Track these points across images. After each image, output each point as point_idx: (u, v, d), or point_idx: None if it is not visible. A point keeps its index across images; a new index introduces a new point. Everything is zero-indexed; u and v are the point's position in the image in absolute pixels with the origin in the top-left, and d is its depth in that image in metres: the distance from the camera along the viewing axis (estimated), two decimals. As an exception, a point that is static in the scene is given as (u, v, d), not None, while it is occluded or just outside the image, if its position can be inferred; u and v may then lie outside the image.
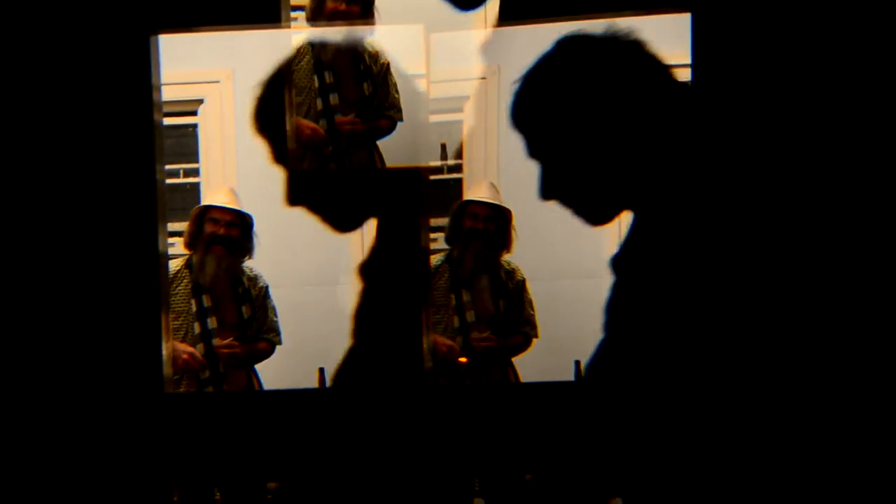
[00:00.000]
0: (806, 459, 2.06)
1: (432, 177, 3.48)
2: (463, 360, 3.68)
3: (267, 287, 3.76)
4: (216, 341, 3.72)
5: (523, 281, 3.73)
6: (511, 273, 3.75)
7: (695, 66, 2.50)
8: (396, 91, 3.59)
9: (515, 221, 3.63)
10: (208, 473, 2.64)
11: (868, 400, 2.05)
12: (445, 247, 3.74)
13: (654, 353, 2.07)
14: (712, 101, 2.45)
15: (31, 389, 2.66)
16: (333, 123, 3.51)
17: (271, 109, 3.17)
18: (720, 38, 2.48)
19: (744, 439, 2.05)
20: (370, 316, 3.29)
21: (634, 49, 2.17)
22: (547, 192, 2.16)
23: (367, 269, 3.24)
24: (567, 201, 2.18)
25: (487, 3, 2.61)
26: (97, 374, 2.68)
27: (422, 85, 3.36)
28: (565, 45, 2.22)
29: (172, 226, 3.54)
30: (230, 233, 3.68)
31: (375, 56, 3.62)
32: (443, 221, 3.66)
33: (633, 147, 2.10)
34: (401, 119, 3.55)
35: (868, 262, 2.12)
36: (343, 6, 3.55)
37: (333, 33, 3.53)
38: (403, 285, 3.22)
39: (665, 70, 2.18)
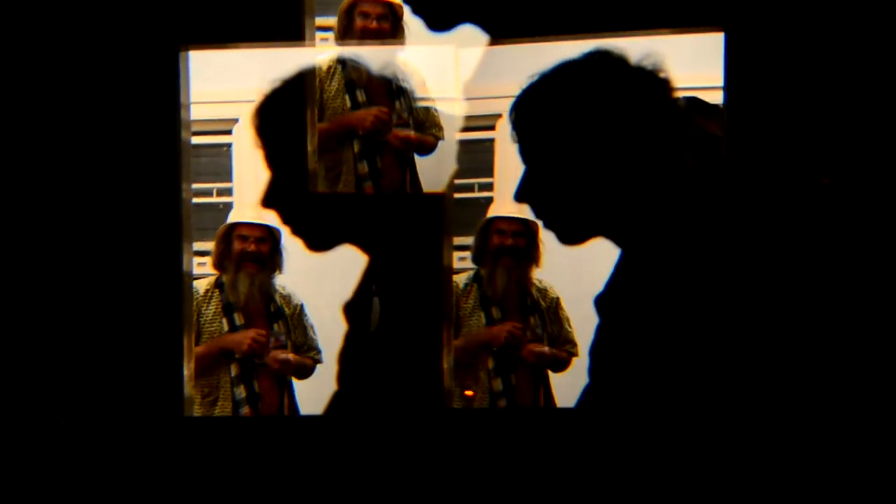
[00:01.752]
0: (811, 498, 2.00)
1: (461, 195, 3.44)
2: (469, 392, 3.63)
3: (302, 305, 3.72)
4: (271, 353, 3.69)
5: (557, 299, 3.68)
6: (544, 291, 3.70)
7: (728, 86, 2.46)
8: (436, 109, 3.56)
9: (546, 242, 3.58)
10: (225, 497, 2.62)
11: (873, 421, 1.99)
12: (472, 266, 3.70)
13: (642, 395, 2.02)
14: (745, 121, 2.40)
15: (52, 409, 2.65)
16: (368, 142, 3.49)
17: (276, 122, 3.16)
18: (753, 58, 2.43)
19: (737, 474, 2.00)
20: (390, 336, 3.28)
21: (645, 75, 2.14)
22: (522, 194, 2.15)
23: (387, 289, 3.22)
24: (541, 209, 2.16)
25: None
26: (119, 394, 2.67)
27: (453, 103, 3.33)
28: (582, 59, 2.19)
29: (204, 245, 3.52)
30: (260, 248, 3.66)
31: (407, 76, 3.60)
32: (471, 240, 3.62)
33: (625, 171, 2.06)
34: (443, 137, 3.52)
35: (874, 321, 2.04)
36: (374, 24, 3.53)
37: (364, 52, 3.52)
38: (423, 304, 3.20)
39: (672, 100, 2.14)
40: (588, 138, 2.06)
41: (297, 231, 3.31)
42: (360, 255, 3.33)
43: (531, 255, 3.64)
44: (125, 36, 2.72)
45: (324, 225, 3.24)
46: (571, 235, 2.18)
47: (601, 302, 2.17)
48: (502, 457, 2.34)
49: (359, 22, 3.55)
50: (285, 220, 3.29)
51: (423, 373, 3.10)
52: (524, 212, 3.54)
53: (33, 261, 2.71)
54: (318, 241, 3.31)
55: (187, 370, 2.80)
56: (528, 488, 2.41)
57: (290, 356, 3.71)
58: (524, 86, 2.18)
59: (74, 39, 2.70)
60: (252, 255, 3.66)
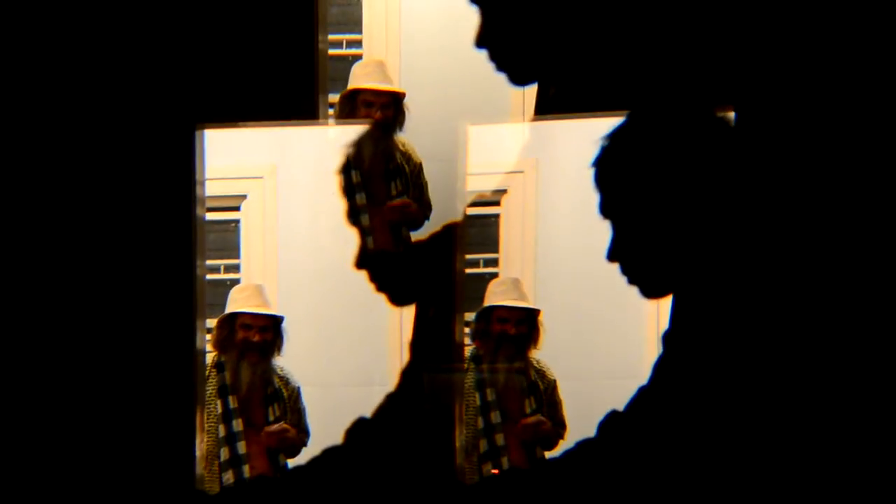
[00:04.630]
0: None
1: (468, 270, 3.46)
2: (495, 471, 3.61)
3: (299, 388, 3.71)
4: (266, 428, 3.66)
5: (555, 381, 3.67)
6: (542, 372, 3.70)
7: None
8: (426, 189, 3.60)
9: (549, 318, 3.59)
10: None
11: None
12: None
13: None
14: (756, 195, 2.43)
15: (65, 488, 2.63)
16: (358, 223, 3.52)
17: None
18: (764, 136, 2.47)
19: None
20: (401, 409, 3.27)
21: (729, 130, 2.17)
22: (614, 254, 2.16)
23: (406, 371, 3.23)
24: (630, 266, 2.16)
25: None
26: (131, 471, 2.65)
27: (460, 179, 3.36)
28: (661, 109, 2.21)
29: (211, 322, 3.51)
30: (264, 337, 3.64)
31: (408, 155, 3.63)
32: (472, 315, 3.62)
33: (710, 222, 2.08)
34: (428, 218, 3.56)
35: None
36: (378, 114, 3.58)
37: (363, 133, 3.55)
38: (436, 378, 3.20)
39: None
40: (677, 193, 2.08)
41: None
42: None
43: (533, 339, 3.63)
44: (141, 113, 2.74)
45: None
46: (656, 289, 2.19)
47: (668, 337, 2.18)
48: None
49: (362, 110, 3.59)
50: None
51: (436, 450, 3.10)
52: (525, 300, 3.54)
53: (49, 340, 2.70)
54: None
55: (199, 449, 2.79)
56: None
57: (290, 433, 3.69)
58: (602, 143, 2.19)
59: (96, 116, 2.72)
60: (256, 346, 3.63)
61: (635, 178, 2.12)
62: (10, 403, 2.68)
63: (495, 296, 3.58)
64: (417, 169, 3.63)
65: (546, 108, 3.12)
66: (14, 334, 2.71)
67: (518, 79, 2.25)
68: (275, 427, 3.65)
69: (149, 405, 2.71)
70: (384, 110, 3.59)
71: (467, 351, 3.57)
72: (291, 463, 3.77)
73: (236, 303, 3.67)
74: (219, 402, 3.62)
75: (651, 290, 2.19)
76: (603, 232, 3.43)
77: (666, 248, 2.11)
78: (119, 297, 2.70)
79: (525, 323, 3.57)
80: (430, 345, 3.34)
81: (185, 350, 2.75)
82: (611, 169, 2.17)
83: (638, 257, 2.15)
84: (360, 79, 3.69)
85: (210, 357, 3.68)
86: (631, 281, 2.20)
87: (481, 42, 2.24)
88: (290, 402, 3.73)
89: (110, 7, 2.68)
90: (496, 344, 3.56)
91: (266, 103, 2.75)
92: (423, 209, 3.63)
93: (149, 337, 2.73)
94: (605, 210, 2.20)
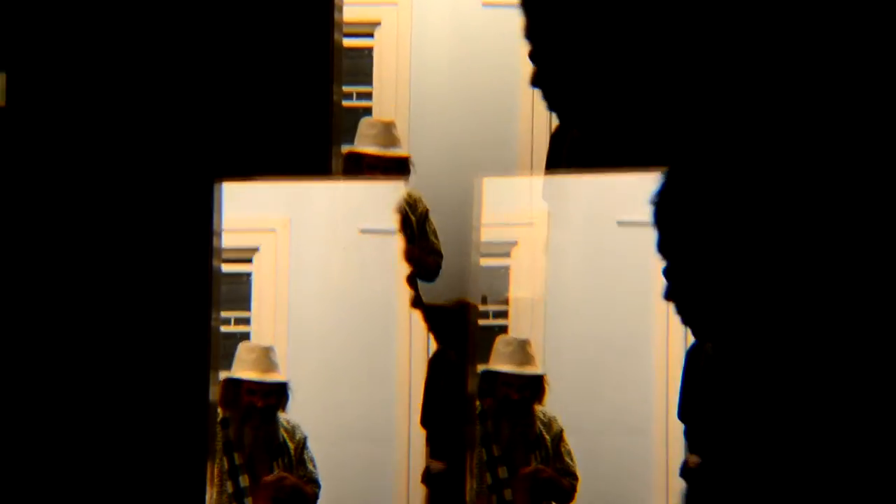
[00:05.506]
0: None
1: (480, 322, 3.45)
2: None
3: (305, 438, 3.67)
4: (263, 479, 3.63)
5: (561, 432, 3.64)
6: (548, 424, 3.66)
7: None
8: (436, 236, 3.59)
9: (557, 373, 3.56)
10: None
11: None
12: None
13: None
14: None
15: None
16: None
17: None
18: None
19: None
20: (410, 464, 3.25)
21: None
22: (671, 294, 2.14)
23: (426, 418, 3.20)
24: (686, 305, 2.15)
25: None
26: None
27: (475, 231, 3.36)
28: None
29: (222, 374, 3.49)
30: (268, 402, 3.61)
31: (414, 204, 3.63)
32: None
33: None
34: (440, 264, 3.55)
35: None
36: (382, 177, 3.59)
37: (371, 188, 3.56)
38: (451, 429, 3.18)
39: None
40: (730, 231, 2.08)
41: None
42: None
43: (537, 401, 3.59)
44: (160, 167, 2.76)
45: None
46: (709, 333, 2.18)
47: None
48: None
49: (366, 171, 3.61)
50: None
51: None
52: (531, 363, 3.51)
53: (67, 387, 2.70)
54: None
55: (209, 499, 2.77)
56: None
57: (286, 482, 3.64)
58: (660, 184, 2.19)
59: (114, 169, 2.74)
60: (259, 411, 3.60)
61: (692, 222, 2.12)
62: (28, 447, 2.67)
63: (501, 357, 3.55)
64: (423, 217, 3.63)
65: (560, 158, 3.14)
66: (34, 381, 2.70)
67: (567, 119, 2.25)
68: (271, 477, 3.62)
69: (160, 456, 2.69)
70: (387, 172, 3.61)
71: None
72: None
73: (244, 364, 3.64)
74: (224, 458, 3.59)
75: (703, 334, 2.19)
76: (612, 280, 3.45)
77: (722, 290, 2.11)
78: (134, 347, 2.69)
79: (529, 388, 3.54)
80: (442, 399, 3.34)
81: (198, 401, 2.75)
82: (669, 210, 2.17)
83: (694, 298, 2.14)
84: (366, 139, 3.70)
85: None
86: (685, 321, 2.19)
87: (535, 82, 2.24)
88: (296, 454, 3.70)
89: (137, 64, 2.70)
90: (500, 406, 3.53)
91: (281, 156, 2.76)
92: (436, 257, 3.63)
93: (163, 388, 2.72)
94: (663, 249, 2.20)
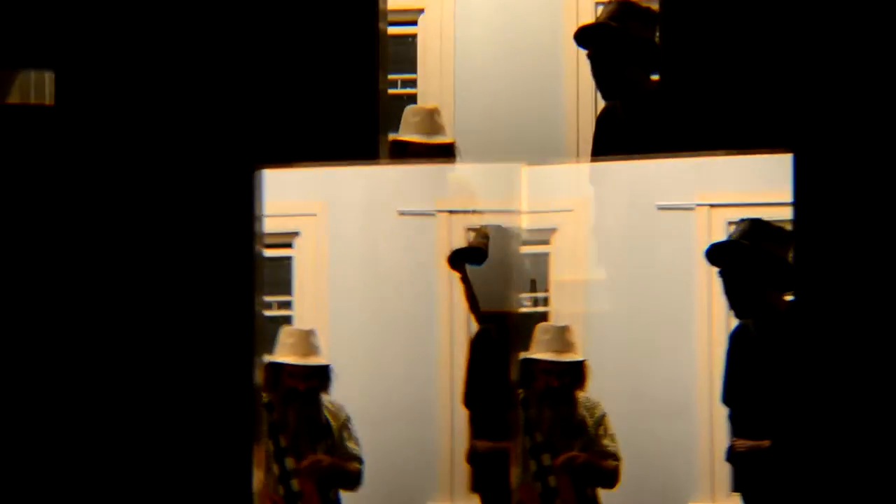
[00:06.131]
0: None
1: (522, 310, 3.46)
2: None
3: (349, 418, 3.70)
4: (300, 464, 3.67)
5: (604, 416, 3.64)
6: (591, 410, 3.66)
7: (797, 206, 2.49)
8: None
9: (600, 358, 3.56)
10: None
11: None
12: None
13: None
14: (815, 241, 2.43)
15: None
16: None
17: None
18: (822, 179, 2.47)
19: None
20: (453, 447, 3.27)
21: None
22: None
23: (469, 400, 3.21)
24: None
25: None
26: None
27: (516, 219, 3.37)
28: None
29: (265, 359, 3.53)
30: (310, 385, 3.63)
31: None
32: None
33: None
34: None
35: None
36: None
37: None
38: (495, 421, 3.20)
39: None
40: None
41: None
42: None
43: (579, 387, 3.59)
44: (202, 150, 2.79)
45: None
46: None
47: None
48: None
49: (412, 158, 3.62)
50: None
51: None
52: (571, 350, 3.51)
53: (111, 373, 2.74)
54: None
55: (257, 483, 2.80)
56: None
57: (322, 464, 3.67)
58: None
59: (156, 159, 2.78)
60: (301, 394, 3.63)
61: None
62: (71, 435, 2.72)
63: (541, 345, 3.55)
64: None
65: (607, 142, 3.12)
66: (78, 367, 2.74)
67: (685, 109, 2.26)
68: (306, 462, 3.66)
69: (207, 441, 2.73)
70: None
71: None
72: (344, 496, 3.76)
73: (284, 348, 3.67)
74: (270, 441, 3.63)
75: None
76: (654, 265, 3.44)
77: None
78: (179, 332, 2.73)
79: (569, 374, 3.53)
80: (484, 379, 3.35)
81: (245, 386, 2.78)
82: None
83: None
84: (410, 127, 3.71)
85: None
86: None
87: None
88: (339, 434, 3.73)
89: (183, 56, 2.73)
90: (542, 394, 3.54)
91: (329, 145, 2.78)
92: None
93: (208, 372, 2.75)
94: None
